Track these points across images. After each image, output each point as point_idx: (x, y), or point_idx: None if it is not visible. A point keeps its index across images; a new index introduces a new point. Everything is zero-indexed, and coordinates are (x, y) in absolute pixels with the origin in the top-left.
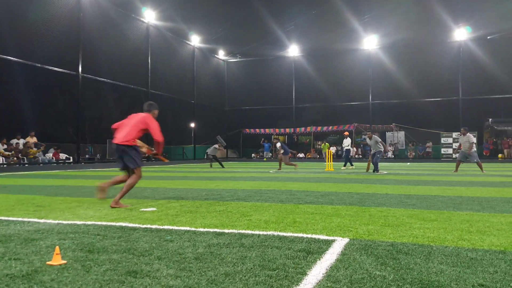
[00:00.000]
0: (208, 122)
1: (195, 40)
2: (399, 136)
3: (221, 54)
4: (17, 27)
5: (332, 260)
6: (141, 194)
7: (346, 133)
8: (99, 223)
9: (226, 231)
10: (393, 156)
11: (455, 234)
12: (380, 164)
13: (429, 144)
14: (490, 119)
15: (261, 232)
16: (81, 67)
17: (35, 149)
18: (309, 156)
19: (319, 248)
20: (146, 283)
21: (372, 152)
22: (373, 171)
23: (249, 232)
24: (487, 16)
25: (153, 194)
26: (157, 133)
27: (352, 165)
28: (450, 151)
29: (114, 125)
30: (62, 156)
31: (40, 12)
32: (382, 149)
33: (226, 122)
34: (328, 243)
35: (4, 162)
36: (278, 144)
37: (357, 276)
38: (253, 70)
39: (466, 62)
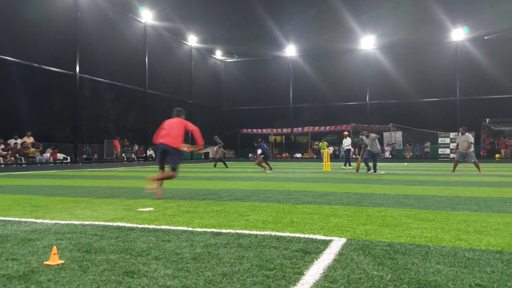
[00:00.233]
0: (205, 122)
1: (193, 40)
2: (397, 136)
3: (219, 54)
4: (14, 27)
5: (329, 260)
6: (139, 194)
7: (346, 132)
8: (97, 223)
9: (224, 231)
10: (390, 156)
11: (452, 234)
12: (377, 165)
13: (427, 144)
14: (487, 119)
15: (258, 232)
16: (79, 67)
17: (33, 148)
18: (307, 156)
19: (316, 248)
20: (144, 283)
21: (367, 150)
22: (367, 171)
23: (247, 232)
24: (484, 16)
25: (151, 194)
26: (192, 127)
27: (350, 165)
28: (447, 151)
29: (158, 132)
30: (60, 156)
31: (37, 12)
32: (379, 149)
33: (223, 122)
34: (326, 243)
35: (1, 162)
36: (259, 151)
37: (354, 276)
38: (250, 70)
39: (464, 63)
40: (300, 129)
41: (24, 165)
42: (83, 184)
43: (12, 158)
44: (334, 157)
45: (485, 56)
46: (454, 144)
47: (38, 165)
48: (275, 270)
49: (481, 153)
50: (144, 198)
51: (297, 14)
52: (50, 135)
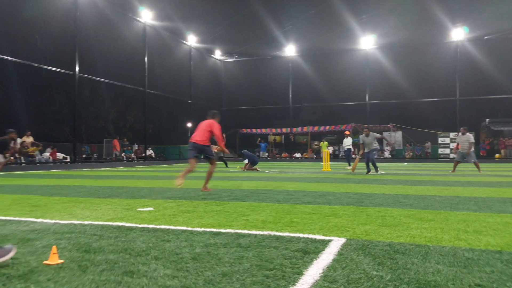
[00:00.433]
0: None
1: (192, 40)
2: (397, 136)
3: (218, 54)
4: (13, 26)
5: (329, 260)
6: (138, 193)
7: (347, 132)
8: (96, 223)
9: (223, 231)
10: (390, 156)
11: (452, 234)
12: (377, 165)
13: (428, 144)
14: (487, 119)
15: (258, 232)
16: (78, 67)
17: (34, 146)
18: (306, 156)
19: (316, 248)
20: (143, 283)
21: (366, 150)
22: (367, 172)
23: (246, 232)
24: (484, 16)
25: (150, 193)
26: (215, 131)
27: (350, 165)
28: (447, 151)
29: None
30: (59, 155)
31: (37, 12)
32: (378, 148)
33: (223, 122)
34: (325, 243)
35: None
36: (246, 161)
37: (354, 276)
38: (250, 70)
39: (463, 63)
40: (299, 129)
41: (23, 164)
42: (83, 184)
43: (12, 158)
44: (334, 157)
45: (485, 56)
46: (454, 144)
47: (38, 164)
48: (274, 270)
49: (481, 153)
50: (144, 198)
51: (296, 14)
52: (50, 134)
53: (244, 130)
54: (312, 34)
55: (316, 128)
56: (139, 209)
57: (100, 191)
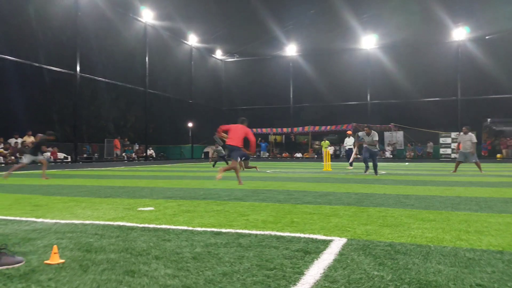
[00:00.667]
0: (205, 121)
1: (193, 40)
2: (398, 136)
3: (219, 54)
4: (14, 26)
5: (330, 260)
6: (139, 193)
7: (349, 132)
8: (97, 222)
9: (224, 230)
10: (391, 156)
11: (453, 234)
12: (378, 165)
13: (430, 144)
14: (488, 119)
15: (258, 232)
16: (79, 67)
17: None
18: (307, 156)
19: (316, 248)
20: (144, 282)
21: (365, 147)
22: (365, 171)
23: (247, 231)
24: (485, 16)
25: (151, 193)
26: (251, 137)
27: (351, 165)
28: (448, 151)
29: (224, 128)
30: (60, 155)
31: (38, 12)
32: (378, 148)
33: (223, 121)
34: (326, 243)
35: (2, 161)
36: (238, 160)
37: (355, 276)
38: (250, 70)
39: (465, 62)
40: (300, 128)
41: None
42: (84, 184)
43: (13, 157)
44: (335, 157)
45: (486, 56)
46: (456, 144)
47: (39, 164)
48: (275, 270)
49: (482, 153)
50: (145, 198)
51: (297, 13)
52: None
53: None
54: (313, 33)
55: (317, 128)
56: (140, 209)
57: (101, 191)
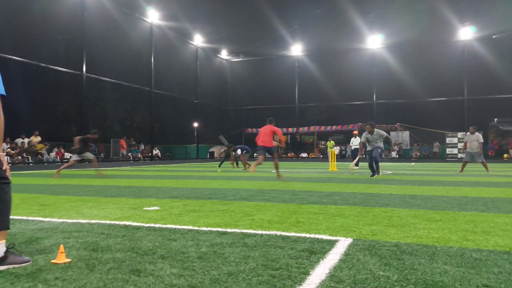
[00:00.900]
0: (210, 121)
1: (198, 40)
2: (404, 136)
3: (224, 54)
4: (21, 27)
5: (335, 260)
6: (145, 193)
7: (355, 132)
8: (103, 222)
9: (229, 230)
10: (397, 156)
11: (459, 235)
12: (384, 164)
13: (437, 144)
14: (495, 119)
15: (264, 232)
16: (85, 67)
17: (42, 144)
18: (312, 156)
19: (322, 248)
20: (150, 281)
21: (369, 148)
22: (372, 174)
23: (252, 231)
24: (492, 15)
25: (157, 193)
26: (280, 136)
27: (356, 165)
28: (455, 151)
29: (258, 137)
30: (67, 155)
31: (44, 13)
32: (382, 146)
33: (228, 121)
34: (332, 243)
35: (9, 161)
36: (239, 151)
37: (360, 276)
38: (255, 70)
39: (471, 62)
40: (306, 128)
41: (31, 164)
42: (90, 183)
43: (19, 157)
44: (341, 157)
45: (493, 55)
46: (462, 144)
47: (45, 164)
48: (280, 270)
49: (489, 153)
50: (150, 197)
51: (303, 13)
52: (57, 134)
53: (249, 130)
54: (319, 33)
55: (322, 127)
56: (146, 208)
57: (107, 191)
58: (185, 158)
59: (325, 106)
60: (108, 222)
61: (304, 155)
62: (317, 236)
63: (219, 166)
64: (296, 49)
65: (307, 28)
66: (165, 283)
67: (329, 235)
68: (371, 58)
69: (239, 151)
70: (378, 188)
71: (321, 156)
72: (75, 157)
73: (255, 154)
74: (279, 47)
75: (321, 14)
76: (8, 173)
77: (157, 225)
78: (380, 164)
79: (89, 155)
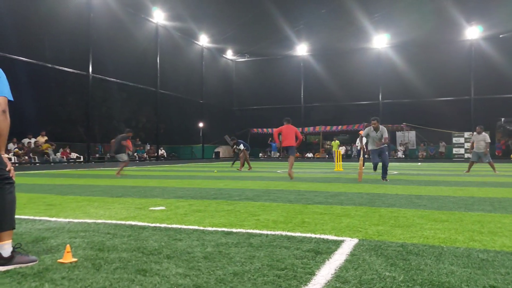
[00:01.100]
0: (216, 121)
1: (204, 40)
2: (410, 136)
3: (229, 54)
4: (28, 28)
5: (341, 260)
6: (150, 193)
7: (361, 132)
8: (109, 221)
9: (235, 230)
10: (403, 156)
11: (466, 235)
12: (390, 164)
13: (443, 143)
14: (502, 119)
15: (269, 232)
16: (91, 67)
17: (47, 144)
18: (318, 156)
19: (328, 249)
20: (156, 281)
21: (370, 147)
22: (383, 177)
23: (258, 231)
24: (499, 14)
25: (162, 193)
26: (299, 135)
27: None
28: (462, 151)
29: (277, 131)
30: (73, 155)
31: (51, 13)
32: (386, 146)
33: (234, 121)
34: (337, 244)
35: (16, 161)
36: (242, 146)
37: (366, 277)
38: (261, 70)
39: (478, 61)
40: (311, 128)
41: (38, 164)
42: (96, 183)
43: (26, 157)
44: (346, 157)
45: (500, 55)
46: (469, 144)
47: (52, 164)
48: (286, 270)
49: (496, 153)
50: (156, 197)
51: (308, 13)
52: (64, 134)
53: (255, 130)
54: (324, 33)
55: (328, 127)
56: (151, 208)
57: (113, 191)
58: (191, 158)
59: (330, 106)
60: (114, 222)
61: (310, 155)
62: (322, 236)
63: (232, 165)
64: (302, 49)
65: (312, 28)
66: (170, 283)
67: (335, 235)
68: (377, 57)
69: (241, 146)
70: (384, 189)
71: (327, 156)
72: (125, 157)
73: (260, 154)
74: (284, 47)
75: (327, 14)
76: (12, 173)
77: (162, 225)
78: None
79: (123, 157)
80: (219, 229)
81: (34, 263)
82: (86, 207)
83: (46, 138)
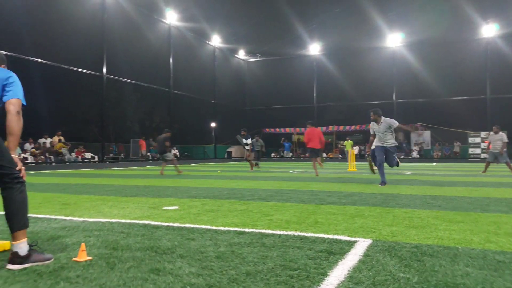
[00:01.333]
0: (228, 121)
1: (216, 41)
2: (425, 135)
3: (242, 54)
4: (44, 30)
5: (354, 261)
6: (164, 192)
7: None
8: (123, 221)
9: (247, 230)
10: (418, 156)
11: (482, 236)
12: (405, 165)
13: (458, 143)
14: None
15: (282, 232)
16: (106, 68)
17: (60, 143)
18: (331, 156)
19: (341, 249)
20: (169, 280)
21: (377, 145)
22: (381, 182)
23: (270, 232)
24: None
25: (176, 192)
26: (322, 137)
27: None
28: (478, 151)
29: (306, 139)
30: (88, 155)
31: (65, 15)
32: (395, 142)
33: (246, 121)
34: (351, 244)
35: (32, 161)
36: (249, 140)
37: (380, 278)
38: (273, 70)
39: (494, 60)
40: (324, 128)
41: (53, 163)
42: (110, 183)
43: (42, 157)
44: (360, 157)
45: None
46: (485, 144)
47: (67, 163)
48: (299, 270)
49: None
50: (170, 197)
51: (321, 12)
52: (79, 134)
53: (267, 130)
54: (337, 32)
55: (341, 127)
56: (165, 208)
57: (127, 190)
58: (203, 158)
59: (343, 105)
60: (128, 221)
61: (323, 155)
62: (335, 236)
63: (257, 166)
64: (314, 49)
65: (325, 27)
66: (183, 282)
67: (348, 235)
68: (391, 57)
69: (249, 140)
70: (398, 189)
71: (340, 156)
72: (170, 155)
73: (272, 154)
74: (297, 46)
75: (340, 13)
76: (23, 173)
77: (176, 225)
78: (400, 164)
79: (169, 156)
80: (232, 229)
81: (50, 261)
82: (101, 206)
83: (61, 138)
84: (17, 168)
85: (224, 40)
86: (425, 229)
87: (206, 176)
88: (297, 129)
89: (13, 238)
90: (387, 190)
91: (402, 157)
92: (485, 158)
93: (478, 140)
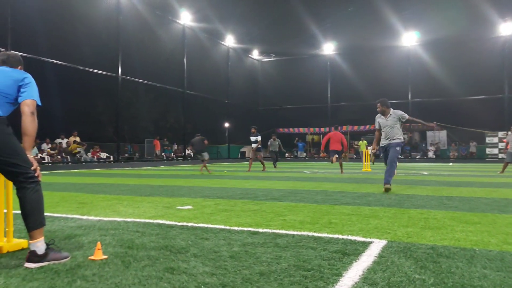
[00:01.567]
0: (242, 122)
1: (230, 41)
2: (441, 135)
3: (255, 54)
4: (58, 31)
5: (369, 262)
6: (178, 192)
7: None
8: (138, 220)
9: (261, 230)
10: (434, 157)
11: (499, 238)
12: (420, 165)
13: (474, 143)
14: None
15: (296, 232)
16: (120, 69)
17: (75, 144)
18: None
19: (355, 250)
20: (183, 279)
21: (386, 142)
22: (385, 184)
23: (284, 232)
24: None
25: (189, 192)
26: (344, 141)
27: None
28: (495, 151)
29: (325, 139)
30: (103, 155)
31: (81, 17)
32: (402, 139)
33: (259, 121)
34: (365, 245)
35: (49, 160)
36: (259, 138)
37: (395, 279)
38: (287, 69)
39: None
40: (338, 128)
41: (70, 163)
42: (125, 183)
43: (59, 157)
44: (375, 157)
45: None
46: (503, 144)
47: (83, 163)
48: (312, 271)
49: None
50: (183, 197)
51: (335, 11)
52: (94, 135)
53: (281, 130)
54: (351, 31)
55: (355, 127)
56: (179, 207)
57: (142, 190)
58: (217, 158)
59: (358, 105)
60: (143, 220)
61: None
62: (350, 237)
63: (275, 166)
64: (328, 48)
65: (339, 27)
66: (197, 281)
67: (363, 236)
68: (406, 56)
69: (259, 138)
70: (414, 189)
71: (354, 156)
72: (206, 155)
73: (286, 154)
74: (310, 46)
75: (354, 12)
76: (38, 173)
77: (190, 224)
78: (416, 165)
79: (206, 155)
80: (246, 228)
81: (67, 259)
82: (116, 206)
83: (77, 138)
84: (32, 168)
85: (238, 40)
86: (441, 230)
87: (219, 176)
88: (311, 129)
89: (30, 237)
90: (402, 191)
91: (418, 157)
92: (503, 158)
93: (495, 140)
